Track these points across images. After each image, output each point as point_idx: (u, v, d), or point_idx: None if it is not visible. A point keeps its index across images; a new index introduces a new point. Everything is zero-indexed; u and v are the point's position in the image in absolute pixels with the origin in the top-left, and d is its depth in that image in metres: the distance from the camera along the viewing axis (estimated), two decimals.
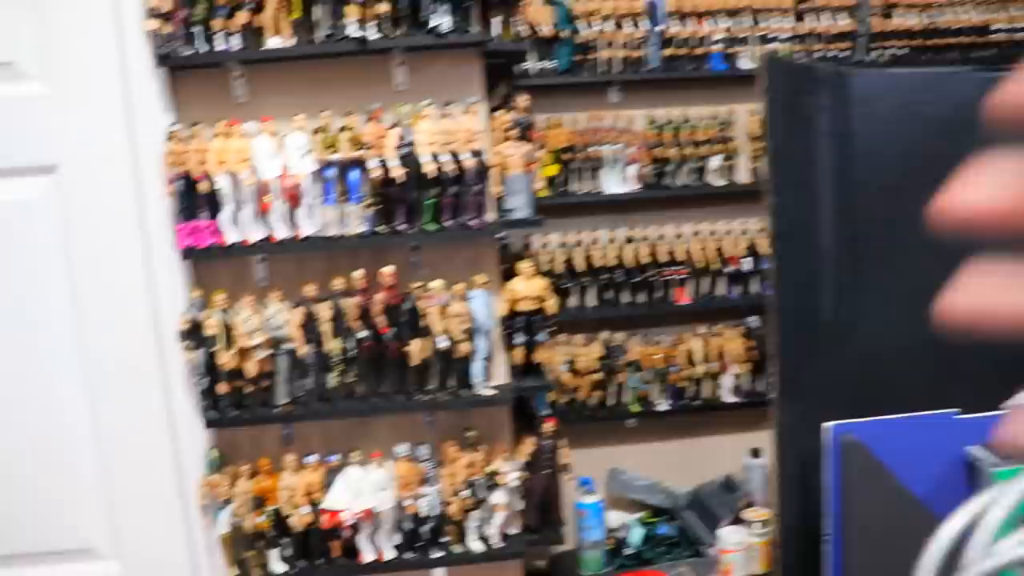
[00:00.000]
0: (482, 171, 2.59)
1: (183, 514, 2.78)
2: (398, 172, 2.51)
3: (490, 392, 2.68)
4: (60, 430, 2.71)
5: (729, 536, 3.79)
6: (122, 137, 2.59)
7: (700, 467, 4.24)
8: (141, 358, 2.69)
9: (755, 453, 4.15)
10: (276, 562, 2.73)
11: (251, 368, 2.61)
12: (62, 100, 2.54)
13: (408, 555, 2.74)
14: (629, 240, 4.03)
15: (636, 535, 4.11)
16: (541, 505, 2.88)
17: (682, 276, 4.08)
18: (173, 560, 2.82)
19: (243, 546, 2.73)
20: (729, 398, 4.26)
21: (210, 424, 2.63)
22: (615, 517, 4.23)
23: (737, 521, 3.94)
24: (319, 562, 2.72)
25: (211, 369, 2.60)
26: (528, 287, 2.68)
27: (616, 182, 3.97)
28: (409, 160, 2.53)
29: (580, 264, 3.99)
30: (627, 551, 4.05)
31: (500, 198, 2.69)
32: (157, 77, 2.56)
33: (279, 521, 2.68)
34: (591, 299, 4.08)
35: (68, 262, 2.63)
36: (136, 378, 2.70)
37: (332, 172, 2.55)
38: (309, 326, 2.59)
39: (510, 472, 2.76)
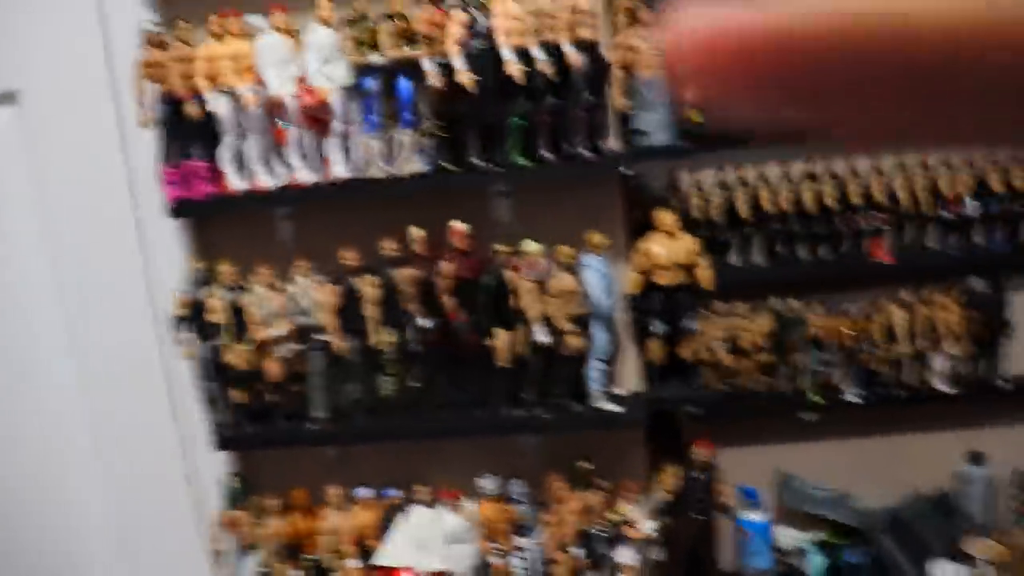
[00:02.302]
0: (597, 73, 1.70)
1: (203, 558, 2.08)
2: (467, 77, 1.64)
3: (614, 406, 1.81)
4: (54, 438, 2.06)
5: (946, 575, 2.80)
6: (91, 47, 1.84)
7: (902, 477, 3.23)
8: (138, 352, 1.98)
9: (976, 459, 3.11)
10: None
11: (272, 368, 1.84)
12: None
13: None
14: (811, 177, 3.01)
15: (816, 564, 3.15)
16: (689, 562, 2.01)
17: (881, 224, 3.02)
18: None
19: None
20: (941, 386, 3.18)
21: (221, 445, 1.89)
22: (787, 537, 3.29)
23: (956, 554, 2.93)
24: None
25: (220, 370, 1.85)
26: (670, 249, 1.79)
27: None
28: (483, 59, 1.65)
29: (744, 210, 3.00)
30: None
31: (626, 115, 1.78)
32: None
33: (320, 574, 1.93)
34: (758, 255, 3.10)
35: (42, 225, 1.94)
36: (133, 380, 1.99)
37: (373, 83, 1.71)
38: (348, 309, 1.78)
39: (643, 520, 1.90)
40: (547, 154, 1.70)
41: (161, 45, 1.74)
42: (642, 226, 1.94)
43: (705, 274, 1.82)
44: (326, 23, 1.71)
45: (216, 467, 1.99)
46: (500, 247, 1.75)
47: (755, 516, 2.99)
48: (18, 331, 2.01)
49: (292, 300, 1.80)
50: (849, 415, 3.17)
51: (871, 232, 3.00)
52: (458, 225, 1.73)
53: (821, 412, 3.12)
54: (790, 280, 3.07)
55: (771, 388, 3.11)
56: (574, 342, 1.75)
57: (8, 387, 2.05)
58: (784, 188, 2.98)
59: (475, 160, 1.72)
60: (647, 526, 1.89)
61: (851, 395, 3.11)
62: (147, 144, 1.82)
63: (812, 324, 3.05)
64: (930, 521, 3.08)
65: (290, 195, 1.78)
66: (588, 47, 1.69)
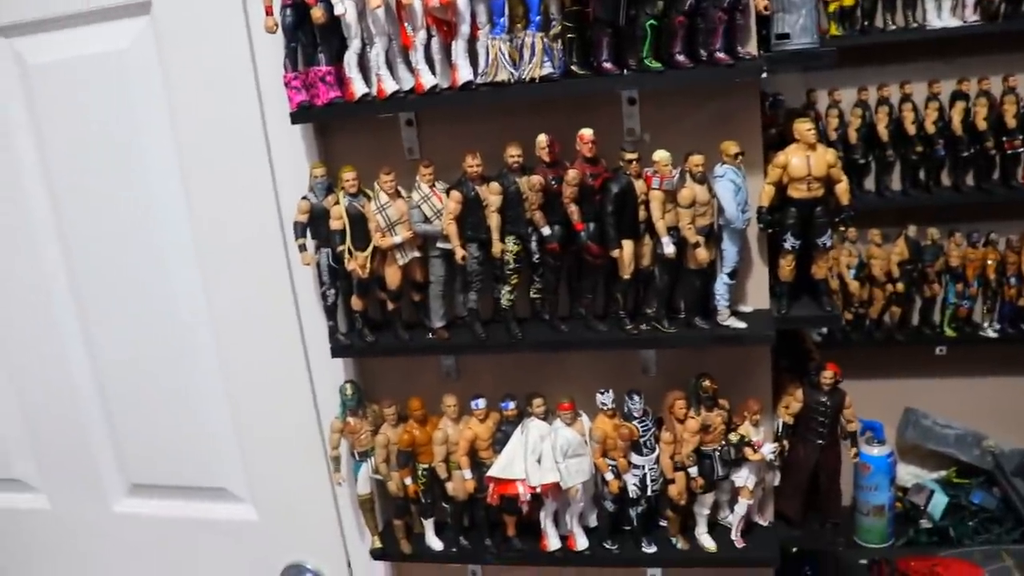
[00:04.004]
0: None
1: (323, 463, 2.13)
2: None
3: (740, 324, 1.74)
4: (178, 327, 2.14)
5: None
6: None
7: None
8: (262, 258, 2.01)
9: None
10: (431, 535, 2.03)
11: (392, 276, 1.84)
12: None
13: (609, 546, 1.92)
14: (958, 97, 2.81)
15: (939, 503, 3.06)
16: (809, 490, 1.94)
17: None
18: (314, 513, 2.20)
19: (391, 512, 2.04)
20: None
21: (336, 352, 1.91)
22: (909, 474, 3.20)
23: None
24: (487, 543, 1.98)
25: (340, 277, 1.86)
26: (808, 162, 1.68)
27: (945, 12, 2.74)
28: None
29: (884, 132, 2.84)
30: (924, 523, 3.02)
31: (766, 16, 1.67)
32: None
33: (434, 484, 1.95)
34: (895, 181, 2.94)
35: (173, 129, 1.98)
36: (257, 285, 2.03)
37: None
38: (471, 217, 1.76)
39: (764, 442, 1.84)
40: (680, 57, 1.61)
41: None
42: (777, 140, 1.84)
43: (843, 188, 1.71)
44: None
45: (336, 374, 2.02)
46: (629, 154, 1.68)
47: (877, 450, 2.89)
48: (147, 236, 2.07)
49: (415, 207, 1.79)
50: (986, 351, 3.00)
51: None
52: (585, 131, 1.67)
53: (956, 346, 2.97)
54: (929, 207, 2.89)
55: (903, 319, 2.97)
56: (702, 255, 1.68)
57: (142, 287, 2.12)
58: (930, 109, 2.79)
59: (604, 64, 1.64)
60: (768, 449, 1.83)
61: (990, 330, 2.93)
62: (275, 51, 1.81)
63: (952, 254, 2.88)
64: None
65: (413, 101, 1.75)
66: None
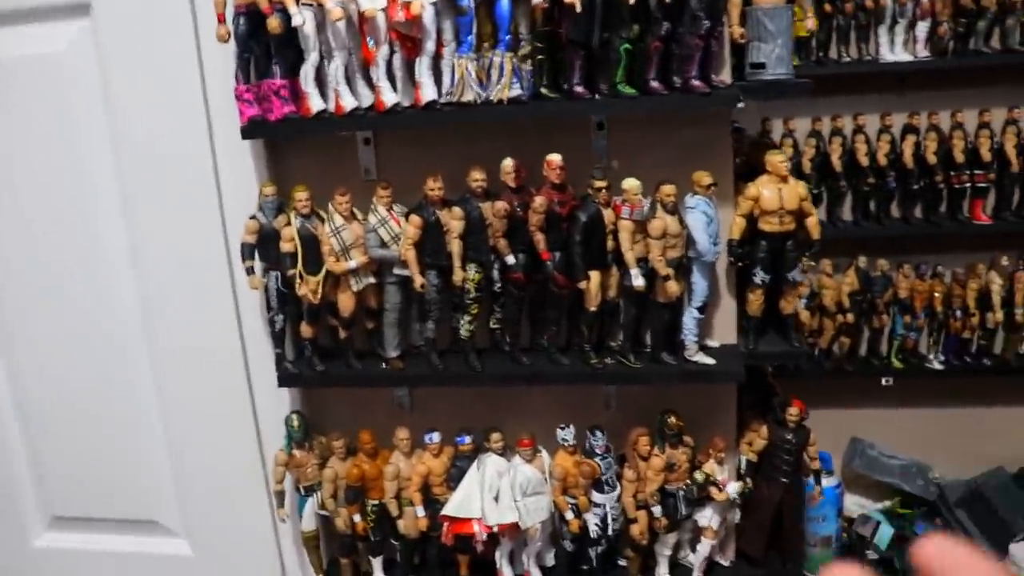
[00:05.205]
0: None
1: (265, 496, 2.02)
2: None
3: (708, 360, 1.69)
4: (112, 349, 2.00)
5: None
6: None
7: (982, 450, 3.10)
8: (206, 279, 1.89)
9: None
10: (380, 574, 1.92)
11: (345, 303, 1.74)
12: None
13: None
14: (909, 130, 2.83)
15: (884, 534, 3.06)
16: (772, 527, 1.90)
17: (983, 183, 2.85)
18: (254, 549, 2.08)
19: (337, 549, 1.93)
20: None
21: (283, 381, 1.80)
22: (854, 504, 3.19)
23: None
24: None
25: (289, 302, 1.76)
26: (780, 195, 1.64)
27: (897, 47, 2.76)
28: None
29: (837, 163, 2.84)
30: (870, 554, 3.01)
31: (740, 45, 1.63)
32: None
33: (384, 521, 1.85)
34: (847, 211, 2.94)
35: (112, 140, 1.85)
36: (200, 308, 1.91)
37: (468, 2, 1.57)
38: (430, 242, 1.67)
39: (728, 481, 1.79)
40: (656, 84, 1.56)
41: None
42: (744, 175, 1.80)
43: (814, 223, 1.67)
44: None
45: (282, 404, 1.91)
46: (598, 181, 1.62)
47: (825, 481, 2.87)
48: (86, 249, 1.94)
49: (371, 231, 1.70)
50: (932, 383, 3.01)
51: (972, 192, 2.81)
52: (554, 157, 1.60)
53: (902, 377, 2.97)
54: (879, 239, 2.90)
55: (851, 349, 2.96)
56: (672, 288, 1.63)
57: (74, 304, 1.98)
58: (882, 141, 2.80)
59: (575, 88, 1.58)
60: (733, 488, 1.78)
61: (936, 362, 2.95)
62: (226, 61, 1.71)
63: (900, 286, 2.89)
64: (1010, 498, 2.93)
65: (373, 119, 1.66)
66: None
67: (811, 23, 2.45)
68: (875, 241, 2.91)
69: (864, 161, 2.80)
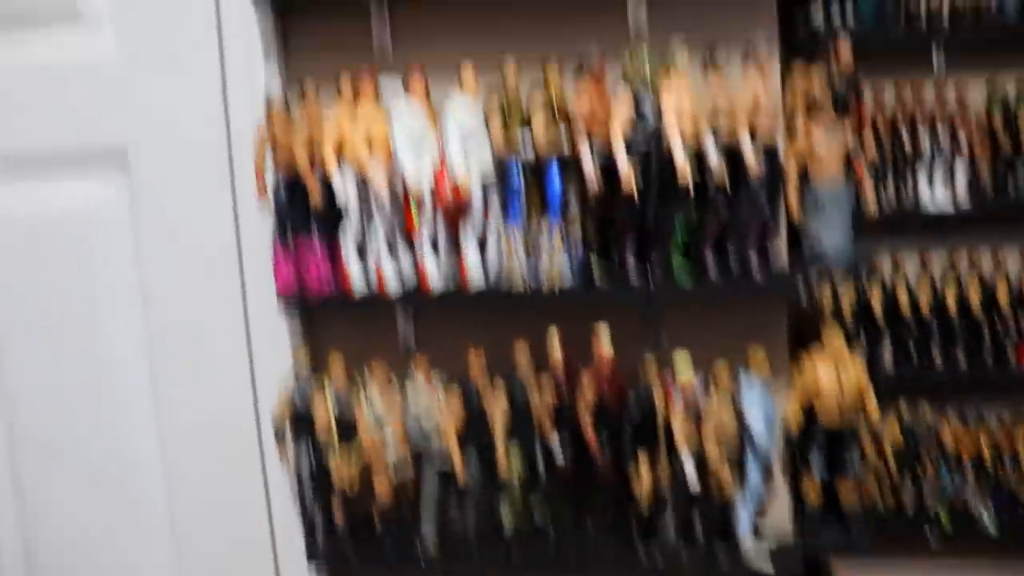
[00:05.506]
0: (773, 178, 1.49)
1: None
2: (629, 176, 1.44)
3: (765, 560, 1.57)
4: (136, 537, 1.88)
5: None
6: (211, 112, 1.70)
7: None
8: (234, 448, 1.80)
9: None
10: None
11: (382, 488, 1.64)
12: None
13: None
14: (951, 274, 2.76)
15: None
16: None
17: None
18: None
19: None
20: None
21: (312, 555, 1.69)
22: None
23: None
24: None
25: (322, 483, 1.65)
26: (841, 381, 1.55)
27: (937, 190, 2.71)
28: (649, 152, 1.46)
29: (877, 308, 2.76)
30: None
31: (799, 223, 1.57)
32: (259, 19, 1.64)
33: None
34: (887, 358, 2.84)
35: (143, 297, 1.79)
36: (227, 479, 1.81)
37: (518, 177, 1.52)
38: (473, 426, 1.58)
39: None
40: (711, 264, 1.49)
41: (286, 113, 1.58)
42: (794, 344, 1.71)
43: (873, 408, 1.58)
44: (470, 93, 1.53)
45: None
46: (649, 360, 1.54)
47: None
48: (110, 412, 1.85)
49: (413, 420, 1.61)
50: (985, 543, 2.85)
51: (1019, 337, 2.72)
52: (605, 349, 1.52)
53: (953, 538, 2.81)
54: (921, 386, 2.79)
55: (896, 506, 2.81)
56: (726, 478, 1.53)
57: (95, 469, 1.88)
58: (923, 287, 2.73)
59: (630, 266, 1.51)
60: None
61: (987, 520, 2.80)
62: (262, 220, 1.66)
63: (945, 436, 2.77)
64: None
65: (417, 299, 1.59)
66: (765, 149, 1.48)
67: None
68: (916, 388, 2.80)
69: (905, 307, 2.72)
